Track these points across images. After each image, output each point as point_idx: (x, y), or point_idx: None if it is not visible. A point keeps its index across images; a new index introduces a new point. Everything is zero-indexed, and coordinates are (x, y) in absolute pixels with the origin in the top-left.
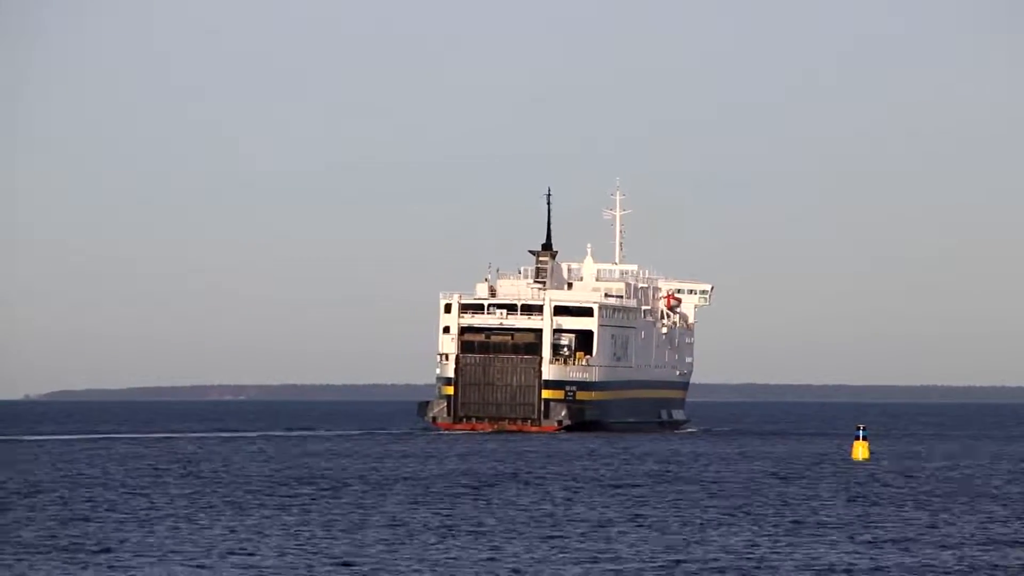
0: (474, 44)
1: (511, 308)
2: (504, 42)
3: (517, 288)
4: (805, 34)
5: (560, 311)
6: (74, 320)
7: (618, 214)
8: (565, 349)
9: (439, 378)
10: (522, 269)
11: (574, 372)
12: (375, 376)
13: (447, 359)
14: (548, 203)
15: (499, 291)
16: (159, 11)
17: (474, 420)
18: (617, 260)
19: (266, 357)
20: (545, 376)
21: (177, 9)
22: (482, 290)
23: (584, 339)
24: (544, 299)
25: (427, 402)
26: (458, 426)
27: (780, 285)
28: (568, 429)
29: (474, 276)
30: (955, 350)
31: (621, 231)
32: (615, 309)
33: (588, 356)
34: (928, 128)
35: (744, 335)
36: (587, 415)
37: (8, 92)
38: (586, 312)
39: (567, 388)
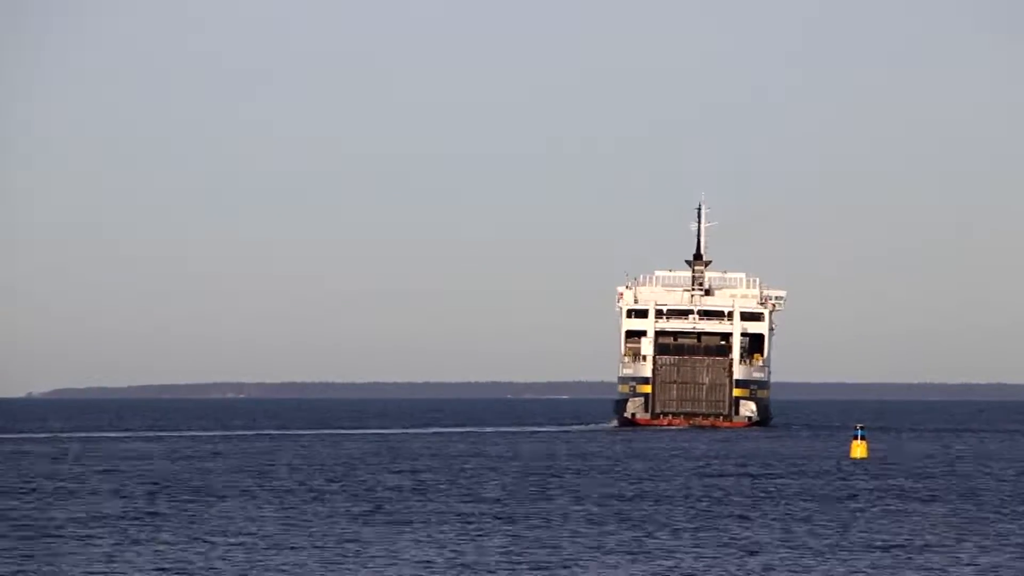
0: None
1: (702, 313)
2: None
3: (656, 294)
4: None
5: (743, 316)
6: (76, 319)
7: (703, 226)
8: (743, 351)
9: (632, 377)
10: (643, 276)
11: (756, 372)
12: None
13: (644, 360)
14: (699, 216)
15: (640, 297)
16: (158, 12)
17: (670, 416)
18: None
19: (267, 354)
20: (736, 376)
21: (182, 8)
22: (628, 296)
23: (754, 341)
24: (733, 306)
25: (624, 400)
26: (655, 422)
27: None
28: (754, 424)
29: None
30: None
31: (705, 241)
32: (770, 314)
33: (761, 357)
34: (927, 127)
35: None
36: (768, 411)
37: (8, 92)
38: (759, 317)
39: (751, 387)
